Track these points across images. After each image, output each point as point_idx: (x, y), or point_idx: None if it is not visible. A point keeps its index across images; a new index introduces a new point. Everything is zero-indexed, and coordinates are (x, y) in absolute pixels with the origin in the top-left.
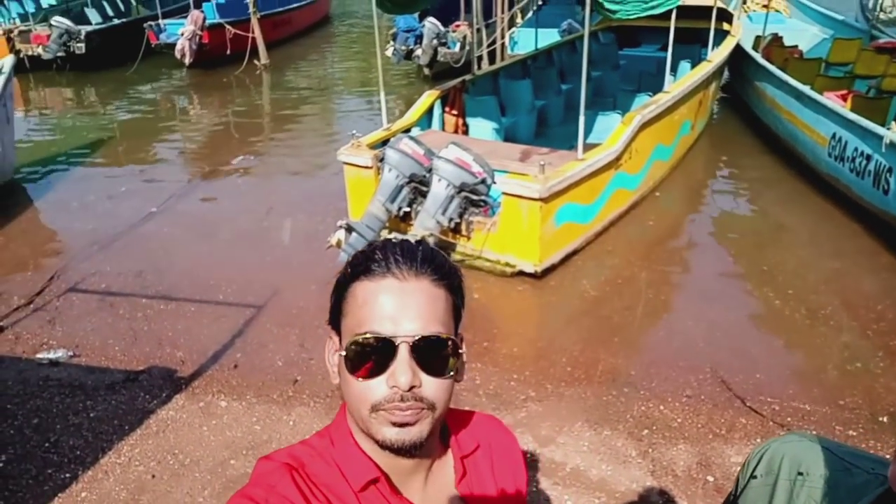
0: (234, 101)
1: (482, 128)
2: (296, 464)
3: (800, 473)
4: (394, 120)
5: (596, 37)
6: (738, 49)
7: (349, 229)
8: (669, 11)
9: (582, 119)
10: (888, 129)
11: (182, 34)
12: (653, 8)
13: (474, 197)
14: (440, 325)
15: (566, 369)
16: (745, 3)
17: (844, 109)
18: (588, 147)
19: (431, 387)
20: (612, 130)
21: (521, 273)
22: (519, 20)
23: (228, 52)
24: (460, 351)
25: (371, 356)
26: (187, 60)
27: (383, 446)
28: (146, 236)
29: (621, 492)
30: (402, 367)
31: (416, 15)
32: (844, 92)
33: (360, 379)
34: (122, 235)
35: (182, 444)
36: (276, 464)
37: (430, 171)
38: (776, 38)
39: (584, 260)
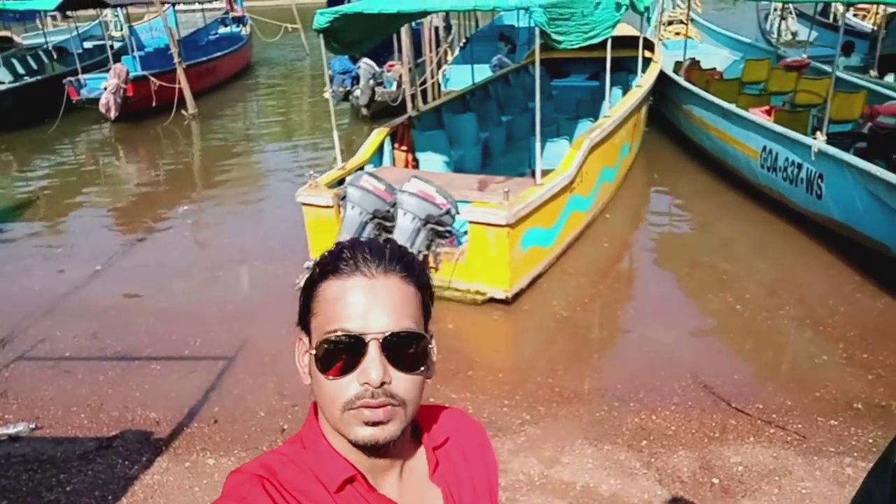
0: (166, 153)
1: (432, 161)
2: (267, 473)
3: None
4: (332, 162)
5: (527, 70)
6: (662, 74)
7: None
8: (603, 42)
9: (539, 145)
10: (814, 138)
11: (105, 88)
12: (591, 38)
13: (440, 228)
14: (410, 321)
15: (554, 390)
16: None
17: (772, 123)
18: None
19: (402, 383)
20: (560, 156)
21: (492, 300)
22: (449, 58)
23: (154, 103)
24: (431, 346)
25: (341, 354)
26: (112, 114)
27: (357, 445)
28: (94, 296)
29: None
30: (373, 364)
31: (348, 57)
32: (767, 107)
33: (331, 378)
34: (67, 297)
35: None
36: (247, 475)
37: (393, 205)
38: (694, 62)
39: (549, 283)
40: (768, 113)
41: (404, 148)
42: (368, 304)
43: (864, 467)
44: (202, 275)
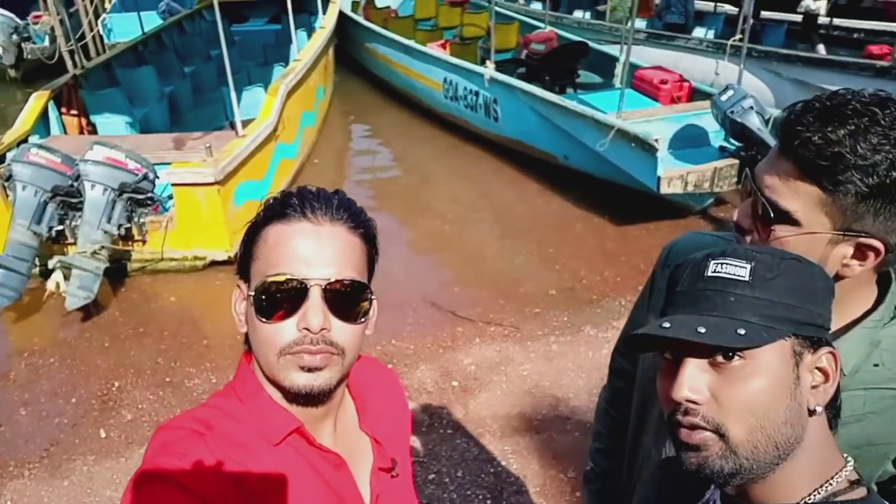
0: None
1: (111, 124)
2: (203, 428)
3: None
4: None
5: (202, 15)
6: (342, 14)
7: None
8: None
9: (234, 95)
10: (485, 67)
11: None
12: None
13: (139, 196)
14: (354, 272)
15: None
16: None
17: (449, 56)
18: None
19: (342, 332)
20: (256, 105)
21: (214, 263)
22: (107, 5)
23: None
24: (373, 298)
25: (282, 299)
26: None
27: (292, 393)
28: None
29: None
30: (314, 310)
31: None
32: (442, 42)
33: (269, 322)
34: None
35: None
36: (184, 431)
37: (77, 178)
38: (370, 1)
39: None
40: (444, 47)
41: (74, 112)
42: (313, 251)
43: (566, 341)
44: None
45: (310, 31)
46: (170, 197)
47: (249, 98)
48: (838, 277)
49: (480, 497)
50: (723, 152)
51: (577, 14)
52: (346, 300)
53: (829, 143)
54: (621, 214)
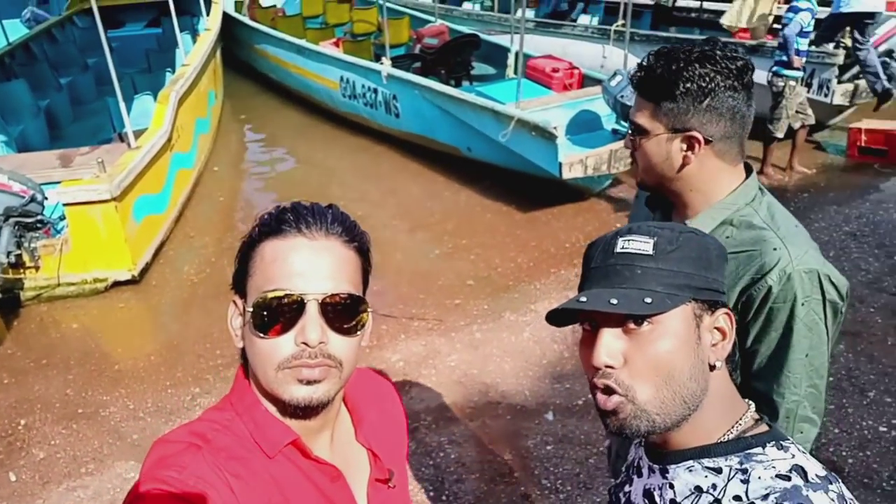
0: None
1: None
2: (200, 441)
3: None
4: None
5: (73, 22)
6: (226, 15)
7: None
8: None
9: (124, 106)
10: (381, 64)
11: None
12: None
13: (28, 220)
14: (350, 285)
15: (216, 353)
16: None
17: (343, 54)
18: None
19: (340, 345)
20: (146, 114)
21: (117, 283)
22: None
23: None
24: (369, 311)
25: (279, 314)
26: None
27: (291, 406)
28: None
29: None
30: (312, 324)
31: None
32: (334, 40)
33: (266, 338)
34: None
35: None
36: (182, 444)
37: None
38: (254, 1)
39: (174, 250)
40: (337, 45)
41: None
42: (309, 266)
43: (488, 328)
44: None
45: (194, 34)
46: (62, 218)
47: (137, 107)
48: (685, 166)
49: (423, 490)
50: (616, 135)
51: (467, 6)
52: (343, 314)
53: (652, 70)
54: (527, 202)
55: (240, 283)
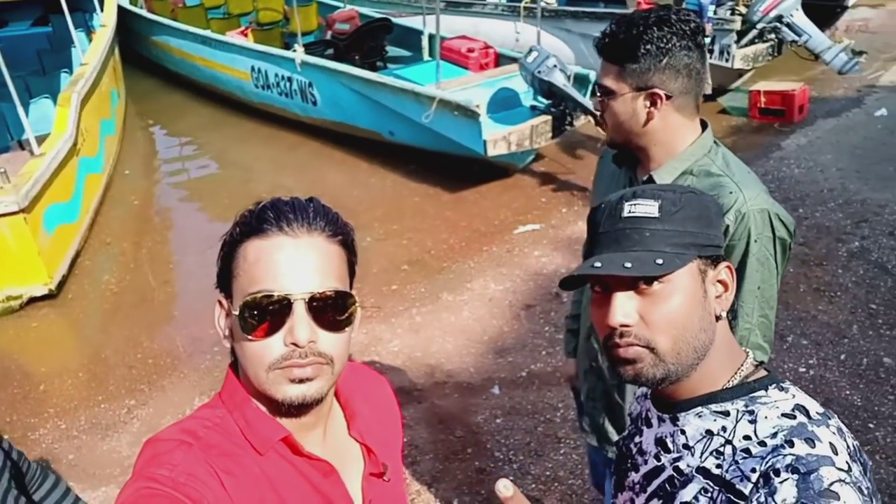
0: None
1: None
2: (192, 439)
3: None
4: None
5: None
6: (120, 9)
7: None
8: None
9: (22, 111)
10: (294, 51)
11: None
12: None
13: None
14: (336, 281)
15: (148, 363)
16: None
17: (253, 44)
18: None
19: (329, 341)
20: (47, 118)
21: (33, 300)
22: None
23: None
24: (356, 305)
25: (266, 316)
26: None
27: (284, 405)
28: None
29: None
30: (300, 324)
31: None
32: (241, 29)
33: (255, 339)
34: None
35: None
36: (173, 442)
37: None
38: None
39: (91, 259)
40: (245, 34)
41: None
42: (293, 265)
43: (427, 311)
44: None
45: (88, 31)
46: None
47: (35, 112)
48: (649, 121)
49: None
50: (534, 111)
51: None
52: (331, 310)
53: (615, 35)
54: (453, 183)
55: (224, 284)
